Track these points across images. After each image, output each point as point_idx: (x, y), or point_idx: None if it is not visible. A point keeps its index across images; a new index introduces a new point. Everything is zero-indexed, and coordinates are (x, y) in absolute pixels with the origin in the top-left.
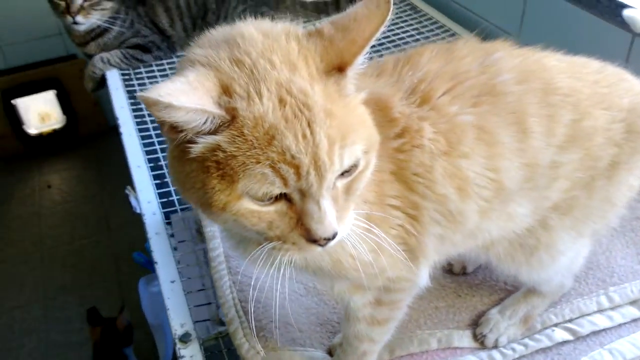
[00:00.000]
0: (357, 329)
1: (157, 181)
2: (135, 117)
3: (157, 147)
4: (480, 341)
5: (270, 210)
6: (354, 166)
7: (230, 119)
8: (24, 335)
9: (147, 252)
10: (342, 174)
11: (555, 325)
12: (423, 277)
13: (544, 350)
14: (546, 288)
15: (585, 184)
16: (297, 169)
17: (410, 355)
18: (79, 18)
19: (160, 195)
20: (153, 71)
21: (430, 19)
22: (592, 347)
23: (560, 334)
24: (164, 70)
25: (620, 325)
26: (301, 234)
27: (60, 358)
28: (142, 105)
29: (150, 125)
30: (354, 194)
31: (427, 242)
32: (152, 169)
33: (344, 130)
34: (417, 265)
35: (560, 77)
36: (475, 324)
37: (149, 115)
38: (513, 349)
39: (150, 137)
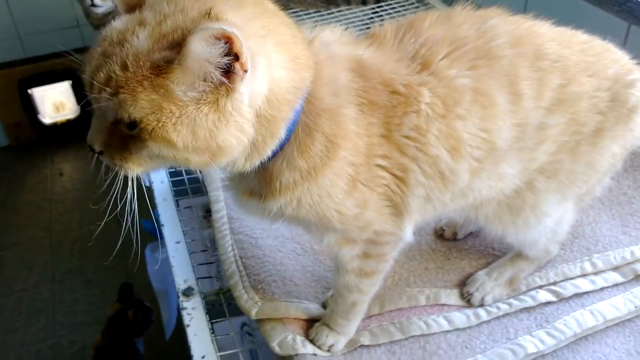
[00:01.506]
0: (346, 280)
1: None
2: None
3: None
4: (467, 299)
5: None
6: (130, 125)
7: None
8: (32, 315)
9: (154, 219)
10: (125, 125)
11: (540, 287)
12: (407, 232)
13: (527, 309)
14: (532, 251)
15: (571, 148)
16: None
17: (400, 310)
18: (98, 1)
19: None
20: None
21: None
22: (574, 308)
23: (543, 295)
24: None
25: (602, 289)
26: None
27: (65, 339)
28: None
29: None
30: (134, 149)
31: (411, 202)
32: None
33: (122, 86)
34: (401, 221)
35: (550, 44)
36: (463, 284)
37: None
38: (498, 307)
39: None
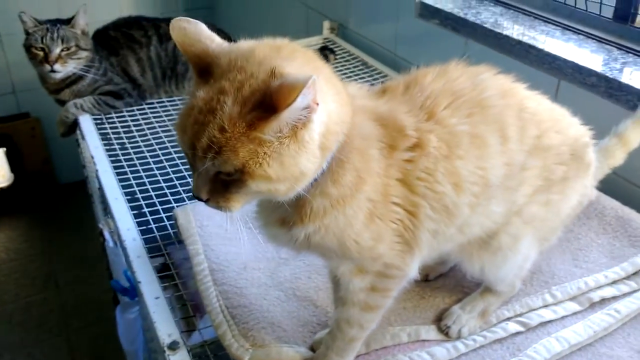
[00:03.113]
0: (350, 312)
1: (135, 211)
2: (109, 155)
3: (133, 181)
4: (445, 332)
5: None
6: (231, 174)
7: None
8: None
9: (124, 280)
10: (224, 174)
11: (508, 319)
12: (413, 268)
13: (499, 340)
14: (501, 287)
15: (543, 194)
16: (185, 144)
17: (385, 348)
18: (57, 66)
19: (139, 224)
20: (124, 116)
21: (380, 72)
22: (541, 336)
23: (513, 327)
24: (135, 115)
25: (563, 317)
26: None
27: None
28: (116, 145)
29: (124, 163)
30: (235, 192)
31: (421, 236)
32: (129, 200)
33: (222, 147)
34: (411, 257)
35: (528, 100)
36: (439, 320)
37: (123, 154)
38: (474, 340)
39: (125, 172)
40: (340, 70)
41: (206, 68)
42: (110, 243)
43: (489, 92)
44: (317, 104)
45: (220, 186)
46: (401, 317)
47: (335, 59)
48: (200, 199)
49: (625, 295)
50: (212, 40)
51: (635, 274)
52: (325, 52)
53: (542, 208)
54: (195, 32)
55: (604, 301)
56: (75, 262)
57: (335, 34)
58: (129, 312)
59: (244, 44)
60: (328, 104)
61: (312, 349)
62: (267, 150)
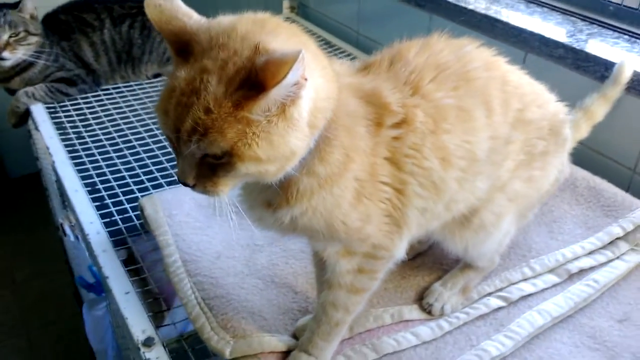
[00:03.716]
0: (336, 295)
1: (97, 203)
2: (66, 145)
3: (93, 172)
4: (427, 311)
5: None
6: (218, 157)
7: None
8: None
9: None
10: (211, 157)
11: (489, 294)
12: (401, 249)
13: (482, 317)
14: (481, 262)
15: (525, 170)
16: (169, 128)
17: (369, 331)
18: (5, 54)
19: (102, 216)
20: (79, 104)
21: (344, 51)
22: (523, 310)
23: (495, 302)
24: (90, 103)
25: (543, 290)
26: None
27: None
28: (72, 135)
29: (82, 153)
30: (223, 176)
31: (410, 215)
32: (90, 192)
33: (210, 128)
34: (399, 237)
35: (510, 74)
36: (421, 299)
37: (80, 144)
38: (457, 317)
39: (83, 163)
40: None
41: (185, 46)
42: (71, 237)
43: (473, 65)
44: (306, 79)
45: (207, 170)
46: (383, 299)
47: None
48: (186, 185)
49: (602, 265)
50: (190, 17)
51: (611, 243)
52: None
53: (525, 184)
54: (171, 9)
55: (582, 272)
56: (33, 259)
57: (295, 13)
58: (96, 309)
59: (224, 20)
60: (315, 79)
61: (295, 336)
62: (255, 130)
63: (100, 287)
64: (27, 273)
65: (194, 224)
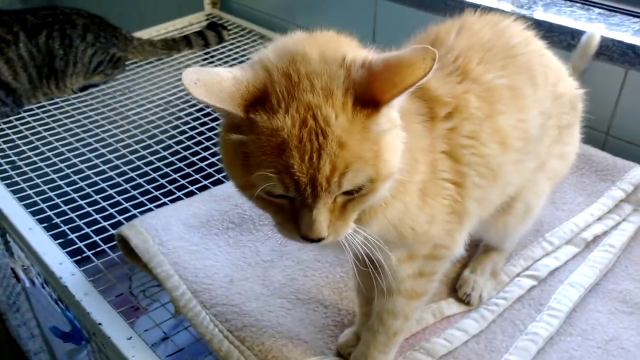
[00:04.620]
0: (394, 303)
1: (61, 239)
2: (2, 179)
3: (43, 205)
4: (466, 301)
5: (275, 201)
6: (357, 190)
7: (250, 124)
8: None
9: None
10: (344, 193)
11: (518, 275)
12: (460, 245)
13: (519, 299)
14: (508, 245)
15: (558, 146)
16: (297, 183)
17: (414, 335)
18: None
19: (70, 254)
20: (3, 130)
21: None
22: (555, 285)
23: (526, 282)
24: (15, 127)
25: (566, 262)
26: (295, 228)
27: None
28: (5, 166)
29: (24, 185)
30: (354, 210)
31: (469, 207)
32: (47, 228)
33: (350, 160)
34: (459, 232)
35: (543, 49)
36: (454, 291)
37: (18, 175)
38: (496, 304)
39: (29, 196)
40: (240, 47)
41: (251, 103)
42: (26, 283)
43: (515, 40)
44: None
45: (337, 212)
46: None
47: (229, 34)
48: (316, 241)
49: (612, 229)
50: (229, 71)
51: (615, 206)
52: (217, 29)
53: (559, 161)
54: (212, 82)
55: (596, 239)
56: None
57: (218, 8)
58: (80, 356)
59: (277, 53)
60: None
61: (339, 354)
62: (382, 145)
63: (79, 334)
64: None
65: (190, 249)
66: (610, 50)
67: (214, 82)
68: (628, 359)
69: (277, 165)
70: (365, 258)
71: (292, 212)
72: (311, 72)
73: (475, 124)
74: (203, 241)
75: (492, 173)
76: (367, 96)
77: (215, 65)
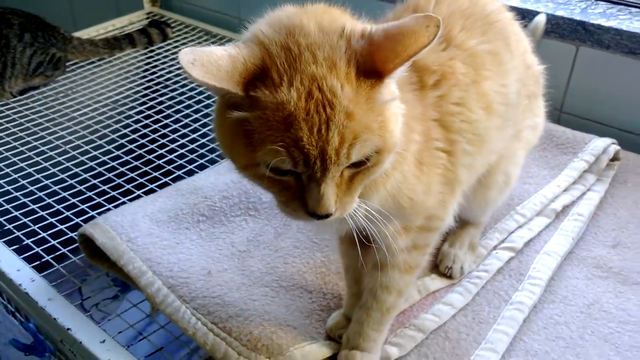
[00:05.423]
0: (389, 277)
1: (15, 246)
2: None
3: None
4: (448, 275)
5: (281, 179)
6: (363, 161)
7: (251, 101)
8: None
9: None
10: (350, 166)
11: (495, 248)
12: (451, 215)
13: (499, 271)
14: (484, 218)
15: (530, 117)
16: (306, 157)
17: (403, 313)
18: None
19: (28, 260)
20: None
21: (230, 40)
22: (532, 256)
23: (504, 254)
24: None
25: (539, 233)
26: (301, 205)
27: None
28: None
29: None
30: (360, 183)
31: (460, 174)
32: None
33: (358, 131)
34: (451, 202)
35: (512, 16)
36: (434, 267)
37: None
38: (479, 277)
39: None
40: (185, 45)
41: (250, 80)
42: None
43: (489, 8)
44: None
45: (344, 186)
46: None
47: (173, 32)
48: (324, 217)
49: (579, 199)
50: (224, 49)
51: (580, 177)
52: (161, 26)
53: (531, 132)
54: (209, 62)
55: (564, 209)
56: None
57: (158, 6)
58: None
59: (272, 26)
60: None
61: (329, 337)
62: (387, 114)
63: (42, 345)
64: None
65: (161, 244)
66: (561, 28)
67: (211, 62)
68: (611, 321)
69: (285, 139)
70: (359, 234)
71: (298, 189)
72: (312, 44)
73: (463, 90)
74: (174, 236)
75: (479, 139)
76: (370, 67)
77: (162, 63)
